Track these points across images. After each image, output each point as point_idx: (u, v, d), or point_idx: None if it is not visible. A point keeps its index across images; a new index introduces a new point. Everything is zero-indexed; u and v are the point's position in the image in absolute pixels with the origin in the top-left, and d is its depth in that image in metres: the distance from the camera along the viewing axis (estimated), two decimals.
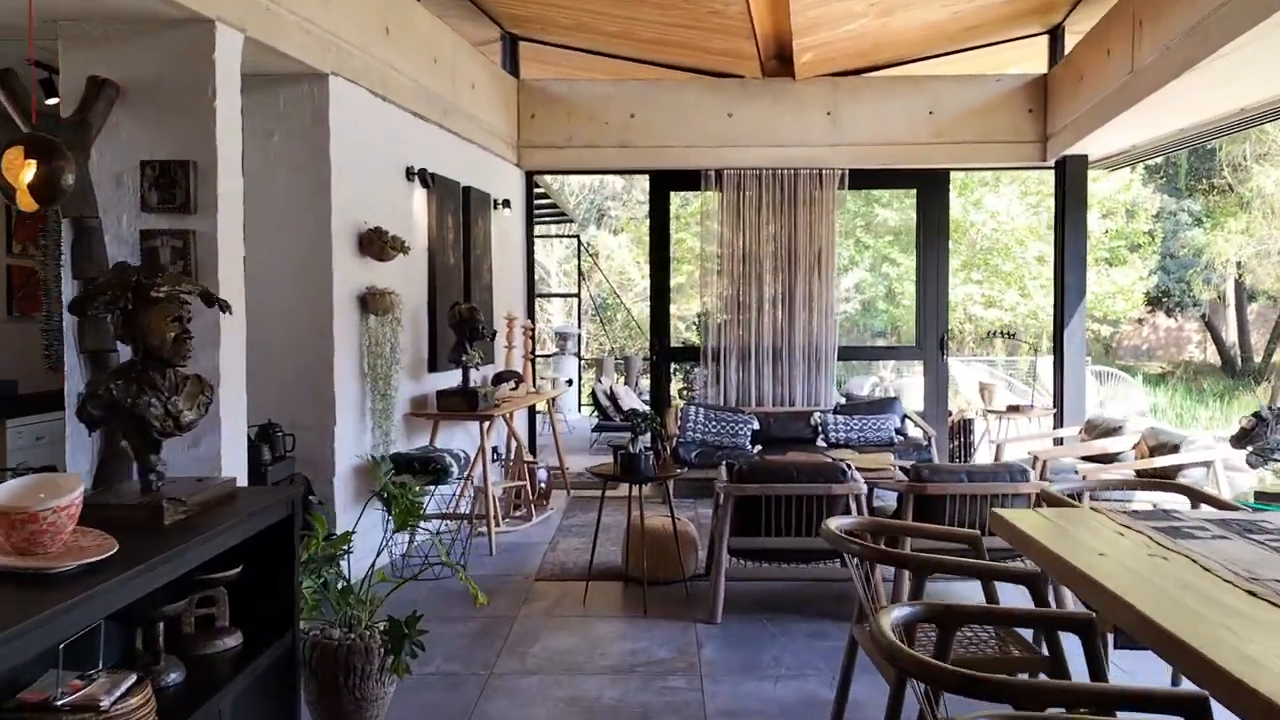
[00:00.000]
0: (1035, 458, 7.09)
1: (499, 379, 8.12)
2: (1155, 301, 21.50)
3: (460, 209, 7.64)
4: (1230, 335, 22.48)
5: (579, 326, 17.31)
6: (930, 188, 9.47)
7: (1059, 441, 8.16)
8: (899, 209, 17.65)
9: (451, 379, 7.11)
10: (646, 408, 12.84)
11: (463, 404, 6.73)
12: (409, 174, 6.76)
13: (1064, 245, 8.77)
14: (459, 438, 7.50)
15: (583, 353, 18.85)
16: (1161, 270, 20.66)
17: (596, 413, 12.20)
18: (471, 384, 6.97)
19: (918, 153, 9.20)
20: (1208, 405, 18.07)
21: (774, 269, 9.30)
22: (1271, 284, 20.93)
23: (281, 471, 5.34)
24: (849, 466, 5.37)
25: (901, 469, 5.54)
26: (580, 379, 16.36)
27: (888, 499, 6.12)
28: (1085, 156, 8.72)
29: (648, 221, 10.05)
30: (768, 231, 9.27)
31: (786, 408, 9.26)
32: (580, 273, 17.15)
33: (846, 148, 9.22)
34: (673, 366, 10.61)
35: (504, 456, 8.42)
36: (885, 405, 9.05)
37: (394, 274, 6.39)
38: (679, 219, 15.19)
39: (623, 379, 15.33)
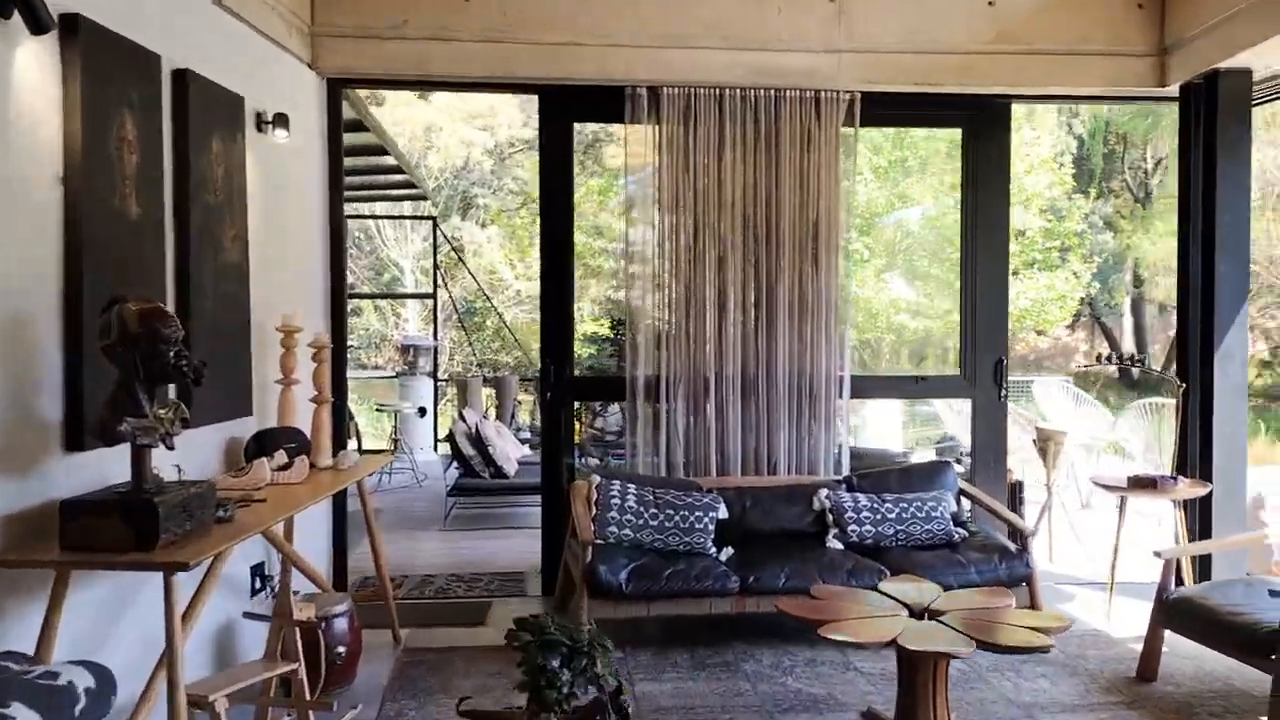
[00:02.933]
0: None
1: (261, 445, 4.28)
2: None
3: (162, 110, 3.76)
4: (1127, 344, 20.42)
5: (436, 337, 13.40)
6: (983, 126, 6.04)
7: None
8: (860, 180, 14.52)
9: (119, 466, 3.20)
10: (525, 452, 9.10)
11: (122, 532, 2.87)
12: None
13: (1214, 215, 5.42)
14: (145, 605, 3.58)
15: (442, 369, 14.97)
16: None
17: (456, 463, 8.37)
18: (157, 475, 3.12)
19: (969, 67, 5.76)
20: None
21: (744, 251, 5.71)
22: (1162, 294, 19.06)
23: None
24: None
25: None
26: (437, 404, 12.48)
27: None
28: (1249, 72, 5.41)
29: (523, 208, 6.35)
30: (735, 189, 5.68)
31: (768, 477, 5.67)
32: (437, 266, 13.24)
33: (860, 56, 5.71)
34: (575, 406, 6.83)
35: (274, 585, 4.58)
36: (932, 475, 5.55)
37: None
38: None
39: (493, 409, 11.50)
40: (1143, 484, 5.25)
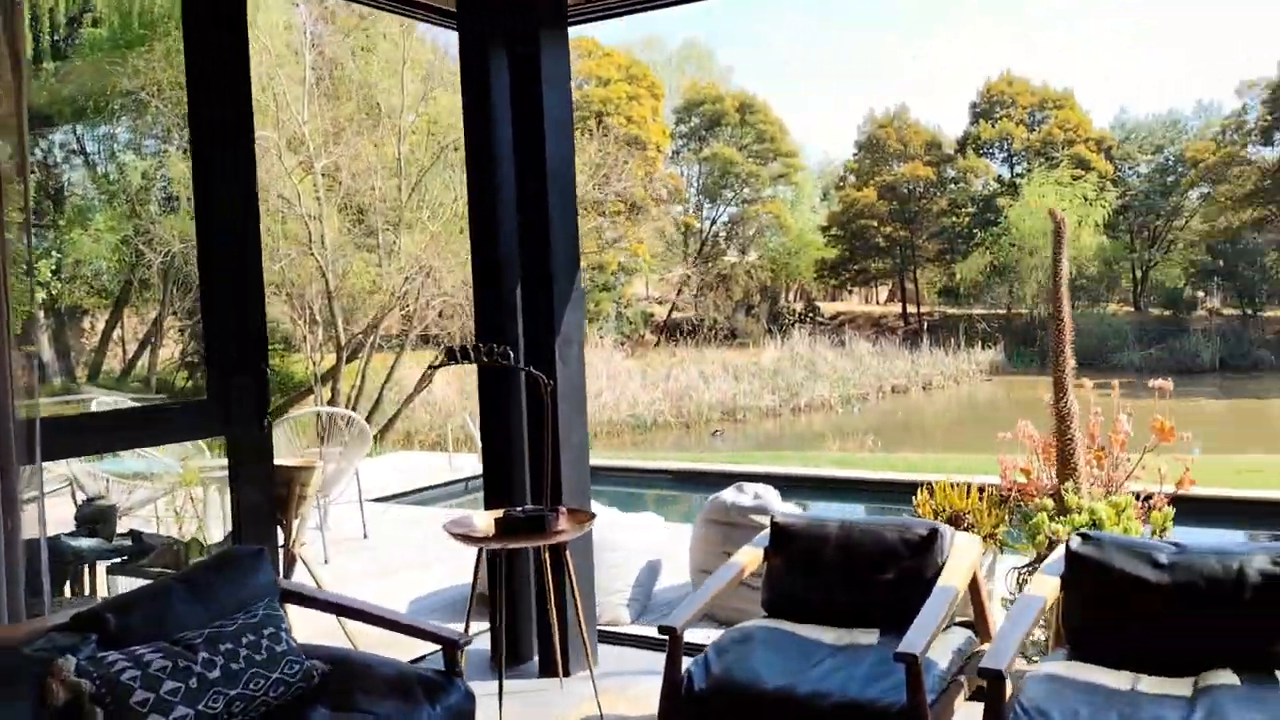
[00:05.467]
0: None
1: None
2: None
3: None
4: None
5: None
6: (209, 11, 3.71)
7: None
8: None
9: None
10: None
11: None
12: None
13: (542, 166, 4.15)
14: None
15: None
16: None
17: None
18: None
19: None
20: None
21: None
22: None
23: None
24: None
25: None
26: None
27: None
28: None
29: None
30: None
31: None
32: None
33: None
34: None
35: None
36: (236, 576, 3.13)
37: None
38: None
39: None
40: (519, 527, 3.75)
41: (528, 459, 4.31)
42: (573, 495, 4.20)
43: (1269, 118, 34.22)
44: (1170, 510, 3.97)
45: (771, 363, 29.10)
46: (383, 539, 7.48)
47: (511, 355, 3.77)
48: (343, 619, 3.96)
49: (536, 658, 4.37)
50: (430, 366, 3.97)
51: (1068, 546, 3.11)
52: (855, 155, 40.35)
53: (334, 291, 16.29)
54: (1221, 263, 34.09)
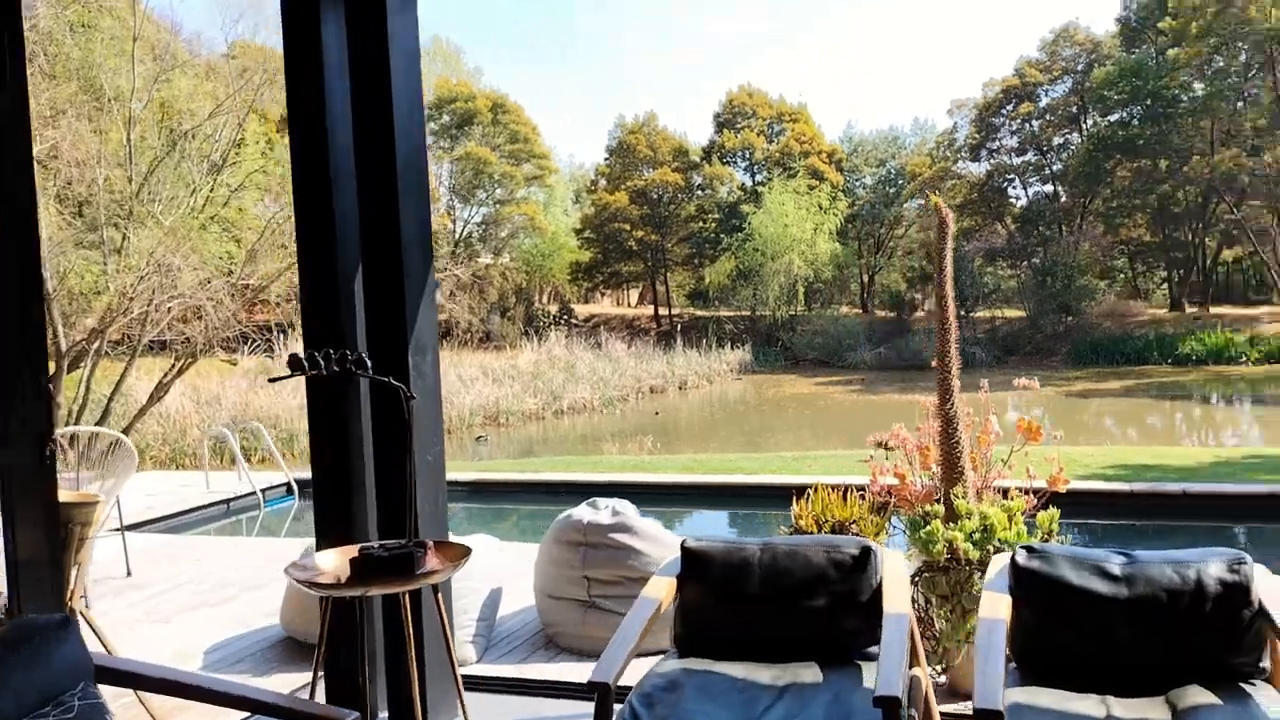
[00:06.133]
0: None
1: None
2: None
3: None
4: None
5: None
6: None
7: None
8: None
9: None
10: None
11: None
12: None
13: (390, 139, 3.55)
14: None
15: None
16: None
17: None
18: None
19: None
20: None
21: None
22: None
23: None
24: None
25: None
26: None
27: None
28: None
29: None
30: None
31: None
32: None
33: None
34: None
35: None
36: (41, 655, 2.37)
37: None
38: None
39: None
40: (381, 568, 3.14)
41: (372, 484, 3.70)
42: (429, 525, 3.62)
43: (976, 136, 37.52)
44: (1055, 511, 3.92)
45: (530, 365, 28.76)
46: (147, 576, 6.48)
47: (368, 364, 3.17)
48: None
49: (385, 714, 3.76)
50: (270, 379, 3.29)
51: (1014, 561, 2.92)
52: (606, 160, 40.77)
53: (52, 293, 14.38)
54: None
